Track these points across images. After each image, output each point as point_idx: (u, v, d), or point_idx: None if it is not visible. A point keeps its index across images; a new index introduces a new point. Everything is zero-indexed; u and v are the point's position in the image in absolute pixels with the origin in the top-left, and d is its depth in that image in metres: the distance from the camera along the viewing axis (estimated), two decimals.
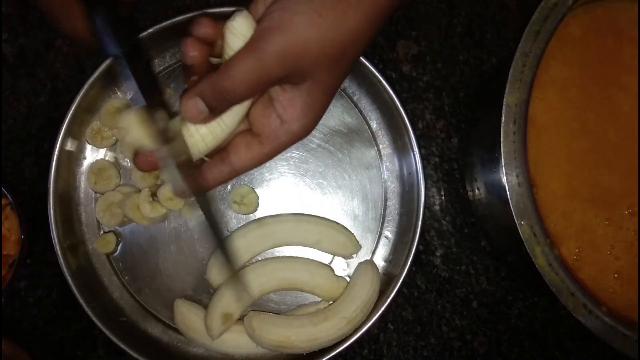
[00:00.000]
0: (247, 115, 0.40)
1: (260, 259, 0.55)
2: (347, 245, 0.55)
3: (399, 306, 0.57)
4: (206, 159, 0.40)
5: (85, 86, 0.52)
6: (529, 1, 0.60)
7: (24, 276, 0.57)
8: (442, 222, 0.58)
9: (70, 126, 0.53)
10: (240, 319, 0.53)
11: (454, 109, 0.59)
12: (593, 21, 0.49)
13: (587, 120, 0.48)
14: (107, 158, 0.56)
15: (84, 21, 0.35)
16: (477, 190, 0.54)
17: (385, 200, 0.57)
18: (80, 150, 0.56)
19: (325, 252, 0.55)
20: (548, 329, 0.57)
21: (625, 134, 0.48)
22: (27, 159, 0.58)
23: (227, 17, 0.37)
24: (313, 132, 0.40)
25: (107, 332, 0.51)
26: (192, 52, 0.36)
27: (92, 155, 0.57)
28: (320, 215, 0.56)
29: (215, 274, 0.54)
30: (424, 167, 0.53)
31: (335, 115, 0.57)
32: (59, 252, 0.51)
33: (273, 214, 0.56)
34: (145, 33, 0.52)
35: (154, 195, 0.54)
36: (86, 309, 0.51)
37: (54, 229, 0.52)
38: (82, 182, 0.56)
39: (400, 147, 0.56)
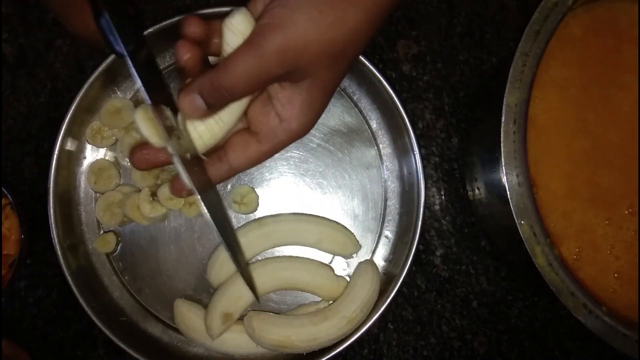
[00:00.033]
0: (245, 114, 0.40)
1: (260, 258, 0.55)
2: (347, 245, 0.55)
3: (399, 306, 0.57)
4: (203, 157, 0.40)
5: (85, 86, 0.52)
6: (529, 1, 0.60)
7: (24, 276, 0.57)
8: (442, 222, 0.58)
9: (70, 126, 0.53)
10: (240, 318, 0.53)
11: (454, 108, 0.59)
12: (593, 21, 0.49)
13: (587, 120, 0.48)
14: (107, 158, 0.56)
15: (91, 19, 0.35)
16: (477, 190, 0.54)
17: (385, 200, 0.57)
18: (80, 150, 0.56)
19: (325, 251, 0.55)
20: (548, 329, 0.57)
21: (625, 134, 0.48)
22: (27, 159, 0.58)
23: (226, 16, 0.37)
24: (313, 131, 0.40)
25: (107, 332, 0.50)
26: (185, 54, 0.36)
27: (92, 155, 0.57)
28: (320, 215, 0.56)
29: (215, 273, 0.54)
30: (424, 167, 0.53)
31: (335, 115, 0.57)
32: (59, 252, 0.51)
33: (273, 213, 0.56)
34: (145, 33, 0.52)
35: (154, 195, 0.54)
36: (86, 309, 0.51)
37: (54, 229, 0.52)
38: (82, 182, 0.56)
39: (400, 147, 0.56)
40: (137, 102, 0.56)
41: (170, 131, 0.37)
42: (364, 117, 0.57)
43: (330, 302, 0.54)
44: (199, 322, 0.52)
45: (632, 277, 0.46)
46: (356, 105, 0.57)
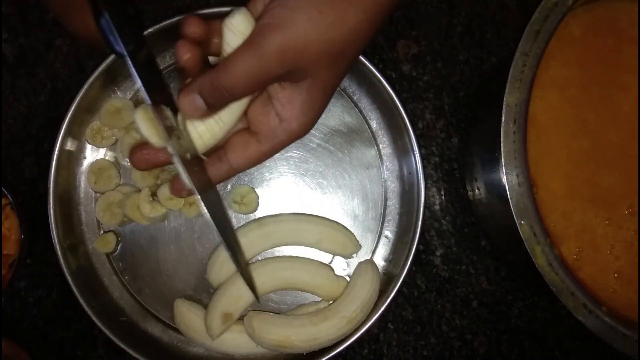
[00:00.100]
0: (245, 114, 0.40)
1: (260, 258, 0.55)
2: (347, 245, 0.55)
3: (399, 306, 0.57)
4: (204, 157, 0.40)
5: (85, 86, 0.52)
6: (529, 1, 0.60)
7: (24, 276, 0.57)
8: (442, 222, 0.58)
9: (70, 126, 0.53)
10: (240, 318, 0.53)
11: (454, 108, 0.59)
12: (593, 21, 0.49)
13: (587, 120, 0.48)
14: (107, 158, 0.56)
15: (91, 19, 0.35)
16: (477, 190, 0.54)
17: (385, 200, 0.57)
18: (80, 150, 0.56)
19: (325, 251, 0.55)
20: (548, 329, 0.57)
21: (625, 134, 0.48)
22: (27, 159, 0.58)
23: (226, 16, 0.37)
24: (313, 131, 0.40)
25: (107, 332, 0.50)
26: (185, 54, 0.36)
27: (92, 155, 0.57)
28: (320, 215, 0.56)
29: (215, 273, 0.54)
30: (424, 167, 0.53)
31: (335, 115, 0.57)
32: (59, 252, 0.51)
33: (273, 213, 0.56)
34: (145, 33, 0.52)
35: (154, 195, 0.54)
36: (86, 309, 0.51)
37: (54, 229, 0.52)
38: (82, 181, 0.56)
39: (400, 147, 0.56)
40: (137, 102, 0.56)
41: (170, 131, 0.37)
42: (364, 117, 0.57)
43: (330, 302, 0.54)
44: (199, 322, 0.52)
45: (632, 277, 0.46)
46: (356, 105, 0.57)
